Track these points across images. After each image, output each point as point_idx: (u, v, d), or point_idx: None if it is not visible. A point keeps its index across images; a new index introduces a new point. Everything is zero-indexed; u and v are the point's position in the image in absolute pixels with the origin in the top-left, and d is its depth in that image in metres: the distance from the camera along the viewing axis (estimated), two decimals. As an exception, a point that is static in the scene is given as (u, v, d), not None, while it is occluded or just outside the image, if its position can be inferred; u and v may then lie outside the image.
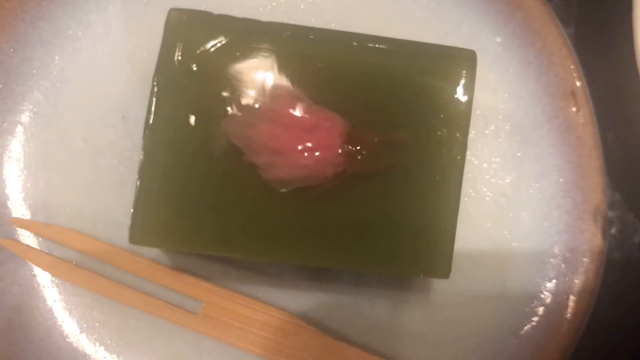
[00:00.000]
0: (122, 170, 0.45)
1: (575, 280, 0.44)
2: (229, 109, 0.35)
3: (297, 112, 0.35)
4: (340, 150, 0.35)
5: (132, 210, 0.36)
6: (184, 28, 0.36)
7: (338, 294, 0.44)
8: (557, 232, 0.45)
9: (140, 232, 0.35)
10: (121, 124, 0.46)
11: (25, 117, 0.45)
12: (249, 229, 0.35)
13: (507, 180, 0.46)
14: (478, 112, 0.46)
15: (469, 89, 0.36)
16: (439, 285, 0.44)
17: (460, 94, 0.36)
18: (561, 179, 0.45)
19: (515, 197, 0.46)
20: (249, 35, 0.36)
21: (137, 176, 0.36)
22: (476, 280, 0.45)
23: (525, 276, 0.45)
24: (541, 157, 0.46)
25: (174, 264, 0.44)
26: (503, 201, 0.46)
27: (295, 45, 0.36)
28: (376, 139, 0.35)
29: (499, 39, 0.46)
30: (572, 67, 0.45)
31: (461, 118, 0.36)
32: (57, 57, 0.46)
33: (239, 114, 0.35)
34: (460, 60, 0.36)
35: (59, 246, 0.44)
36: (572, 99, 0.45)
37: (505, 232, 0.46)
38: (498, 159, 0.46)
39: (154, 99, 0.35)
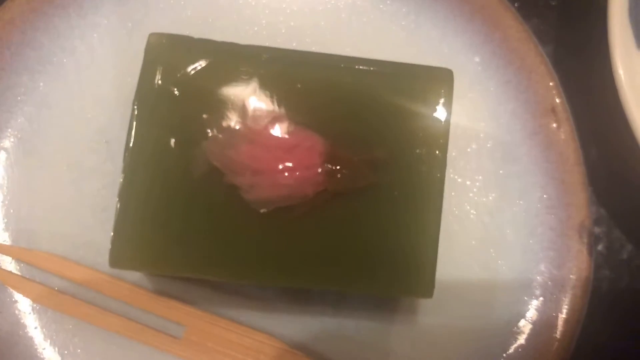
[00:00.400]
0: (105, 194, 0.45)
1: (563, 298, 0.44)
2: (209, 130, 0.35)
3: (277, 133, 0.35)
4: (320, 170, 0.35)
5: (112, 234, 0.36)
6: (163, 52, 0.36)
7: (322, 316, 0.43)
8: (542, 249, 0.45)
9: (120, 255, 0.35)
10: (105, 148, 0.46)
11: (8, 143, 0.46)
12: (231, 250, 0.35)
13: (491, 198, 0.46)
14: (459, 131, 0.47)
15: (447, 107, 0.36)
16: (425, 305, 0.44)
17: (438, 112, 0.36)
18: (544, 196, 0.45)
19: (499, 215, 0.46)
20: (228, 58, 0.36)
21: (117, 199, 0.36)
22: (462, 299, 0.45)
23: (513, 295, 0.45)
24: (523, 174, 0.46)
25: (156, 288, 0.44)
26: (487, 219, 0.46)
27: (275, 68, 0.36)
28: (356, 158, 0.35)
29: (477, 59, 0.47)
30: (551, 84, 0.46)
31: (440, 136, 0.36)
32: (41, 84, 0.46)
33: (220, 135, 0.35)
34: (438, 79, 0.37)
35: (41, 272, 0.44)
36: (552, 115, 0.46)
37: (491, 250, 0.45)
38: (480, 177, 0.46)
39: (134, 121, 0.35)
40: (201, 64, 0.36)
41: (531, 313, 0.44)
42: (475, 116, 0.47)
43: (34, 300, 0.42)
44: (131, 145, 0.35)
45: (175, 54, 0.36)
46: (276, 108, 0.36)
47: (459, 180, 0.46)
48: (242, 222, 0.35)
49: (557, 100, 0.46)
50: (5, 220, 0.44)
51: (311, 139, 0.35)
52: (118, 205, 0.35)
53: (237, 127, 0.35)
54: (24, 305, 0.43)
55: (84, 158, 0.46)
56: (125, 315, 0.43)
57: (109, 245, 0.44)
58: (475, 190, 0.46)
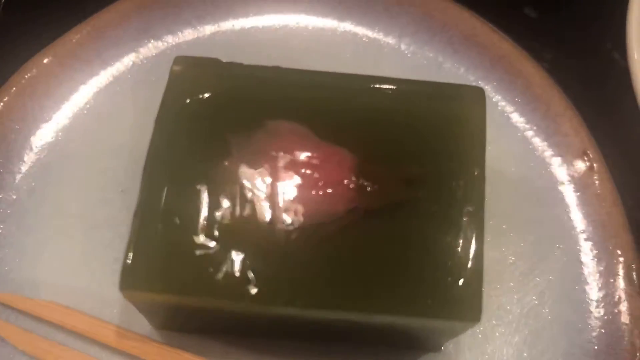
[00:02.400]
0: (117, 245, 0.43)
1: (619, 346, 0.39)
2: (233, 150, 0.34)
3: (304, 149, 0.34)
4: (351, 186, 0.33)
5: (125, 253, 0.33)
6: (188, 73, 0.36)
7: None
8: (589, 297, 0.41)
9: (133, 274, 0.32)
10: (119, 197, 0.44)
11: (21, 192, 0.44)
12: (255, 273, 0.32)
13: (529, 243, 0.43)
14: (492, 176, 0.45)
15: (481, 124, 0.35)
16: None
17: (473, 129, 0.35)
18: (585, 238, 0.42)
19: (539, 261, 0.43)
20: (254, 80, 0.36)
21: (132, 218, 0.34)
22: (506, 354, 0.40)
23: (561, 346, 0.40)
24: (561, 218, 0.43)
25: (169, 343, 0.40)
26: (525, 266, 0.43)
27: (301, 88, 0.35)
28: (388, 174, 0.33)
29: (501, 107, 0.46)
30: (579, 127, 0.45)
31: (476, 152, 0.34)
32: (60, 134, 0.45)
33: (245, 154, 0.34)
34: (470, 97, 0.36)
35: (42, 325, 0.40)
36: (584, 158, 0.44)
37: (533, 297, 0.42)
38: (516, 221, 0.44)
39: (154, 139, 0.34)
40: (226, 85, 0.35)
41: (585, 367, 0.40)
42: (506, 162, 0.45)
43: (34, 354, 0.38)
44: (150, 163, 0.33)
45: (199, 75, 0.35)
46: (303, 127, 0.34)
47: (493, 223, 0.43)
48: (268, 242, 0.33)
49: (588, 143, 0.44)
50: (7, 269, 0.41)
51: (340, 154, 0.34)
52: (133, 224, 0.33)
53: (263, 145, 0.33)
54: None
55: (97, 208, 0.44)
56: (132, 369, 0.39)
57: (118, 298, 0.41)
58: (511, 234, 0.43)
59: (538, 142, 0.46)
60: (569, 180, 0.44)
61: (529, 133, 0.46)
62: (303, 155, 0.33)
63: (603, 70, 0.53)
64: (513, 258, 0.43)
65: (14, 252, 0.42)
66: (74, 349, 0.39)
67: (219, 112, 0.35)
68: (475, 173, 0.34)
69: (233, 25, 0.47)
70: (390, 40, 0.47)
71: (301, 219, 0.33)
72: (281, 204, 0.33)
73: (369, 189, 0.33)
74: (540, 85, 0.46)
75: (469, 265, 0.32)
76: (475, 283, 0.32)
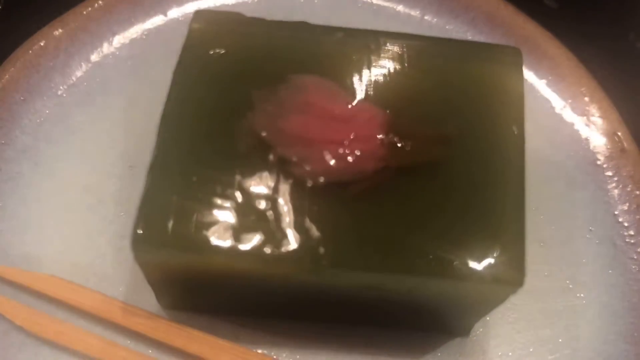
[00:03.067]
0: (125, 221, 0.40)
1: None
2: (256, 102, 0.32)
3: (332, 103, 0.31)
4: (380, 143, 0.31)
5: (137, 209, 0.30)
6: (209, 27, 0.34)
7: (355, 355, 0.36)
8: (626, 281, 0.39)
9: (146, 230, 0.29)
10: (128, 173, 0.42)
11: (25, 166, 0.42)
12: (278, 232, 0.30)
13: (559, 225, 0.41)
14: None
15: (519, 83, 0.33)
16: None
17: (511, 89, 0.33)
18: (620, 221, 0.40)
19: (570, 244, 0.40)
20: (279, 34, 0.34)
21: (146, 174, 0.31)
22: (538, 339, 0.38)
23: (597, 332, 0.38)
24: (592, 200, 0.41)
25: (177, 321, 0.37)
26: (558, 248, 0.40)
27: (329, 44, 0.34)
28: (421, 132, 0.31)
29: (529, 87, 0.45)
30: (608, 108, 0.43)
31: (515, 111, 0.32)
32: (68, 108, 0.43)
33: (268, 106, 0.32)
34: (507, 57, 0.34)
35: (42, 300, 0.37)
36: (615, 139, 0.42)
37: (567, 282, 0.39)
38: (547, 204, 0.41)
39: (171, 93, 0.32)
40: (248, 40, 0.33)
41: (619, 355, 0.37)
42: (534, 142, 0.43)
43: (33, 330, 0.35)
44: (167, 116, 0.31)
45: (220, 28, 0.33)
46: (330, 82, 0.32)
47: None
48: (292, 201, 0.30)
49: (618, 124, 0.43)
50: (7, 242, 0.39)
51: (370, 110, 0.32)
52: (147, 181, 0.30)
53: (287, 99, 0.31)
54: (21, 337, 0.36)
55: (104, 183, 0.42)
56: (138, 348, 0.36)
57: (124, 277, 0.39)
58: (541, 216, 0.41)
59: (567, 123, 0.44)
60: (601, 161, 0.42)
61: (558, 114, 0.44)
62: (330, 111, 0.31)
63: (627, 59, 0.51)
64: (544, 241, 0.41)
65: (14, 226, 0.39)
66: (76, 326, 0.36)
67: (241, 67, 0.33)
68: (515, 131, 0.31)
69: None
70: (413, 15, 0.46)
71: (327, 177, 0.30)
72: (305, 161, 0.31)
73: (400, 147, 0.31)
74: (568, 66, 0.44)
75: (511, 225, 0.30)
76: (518, 245, 0.29)
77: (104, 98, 0.44)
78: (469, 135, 0.32)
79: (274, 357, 0.36)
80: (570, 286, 0.39)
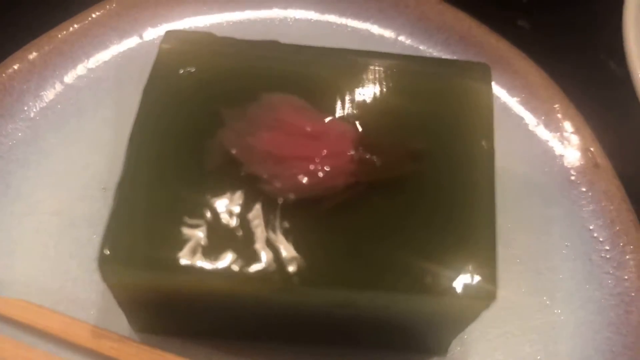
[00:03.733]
0: (95, 243, 0.39)
1: (637, 349, 0.36)
2: (226, 119, 0.32)
3: (301, 120, 0.31)
4: (351, 158, 0.31)
5: (104, 229, 0.30)
6: (179, 46, 0.34)
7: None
8: (603, 296, 0.39)
9: (113, 248, 0.28)
10: (101, 195, 0.42)
11: (-6, 189, 0.41)
12: (247, 250, 0.29)
13: (536, 241, 0.41)
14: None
15: (488, 98, 0.33)
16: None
17: (480, 103, 0.33)
18: (595, 236, 0.40)
19: (548, 260, 0.40)
20: (247, 52, 0.34)
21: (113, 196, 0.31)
22: (517, 356, 0.37)
23: (575, 348, 0.37)
24: (568, 216, 0.41)
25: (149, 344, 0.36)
26: (535, 264, 0.40)
27: (300, 63, 0.34)
28: (392, 147, 0.31)
29: (501, 103, 0.45)
30: (581, 125, 0.44)
31: (484, 126, 0.32)
32: (41, 130, 0.43)
33: (238, 124, 0.32)
34: (476, 72, 0.34)
35: (8, 325, 0.36)
36: (588, 155, 0.43)
37: (544, 297, 0.39)
38: (522, 221, 0.41)
39: (139, 113, 0.32)
40: (218, 57, 0.33)
41: (602, 371, 0.37)
42: (509, 160, 0.43)
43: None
44: (135, 136, 0.31)
45: (190, 48, 0.33)
46: (300, 100, 0.32)
47: (499, 222, 0.41)
48: (263, 218, 0.30)
49: (591, 140, 0.43)
50: (-24, 269, 0.38)
51: (341, 126, 0.32)
52: (114, 199, 0.30)
53: (258, 116, 0.31)
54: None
55: (76, 205, 0.41)
56: (108, 374, 0.35)
57: (95, 299, 0.38)
58: (518, 233, 0.41)
59: (541, 140, 0.44)
60: (575, 177, 0.42)
61: (531, 131, 0.44)
62: (300, 127, 0.31)
63: (599, 77, 0.52)
64: (520, 258, 0.40)
65: (-19, 251, 0.38)
66: (45, 351, 0.35)
67: (211, 85, 0.33)
68: (485, 146, 0.32)
69: (225, 21, 0.46)
70: (387, 36, 0.46)
71: (298, 193, 0.30)
72: (276, 178, 0.30)
73: (371, 162, 0.31)
74: (541, 84, 0.45)
75: (482, 240, 0.30)
76: (490, 259, 0.29)
77: (77, 120, 0.44)
78: (439, 150, 0.32)
79: (248, 379, 0.35)
80: (548, 302, 0.39)
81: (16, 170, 0.42)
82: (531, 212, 0.42)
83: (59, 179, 0.42)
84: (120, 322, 0.37)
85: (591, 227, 0.41)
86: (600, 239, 0.40)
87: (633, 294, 0.38)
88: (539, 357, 0.37)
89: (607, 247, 0.40)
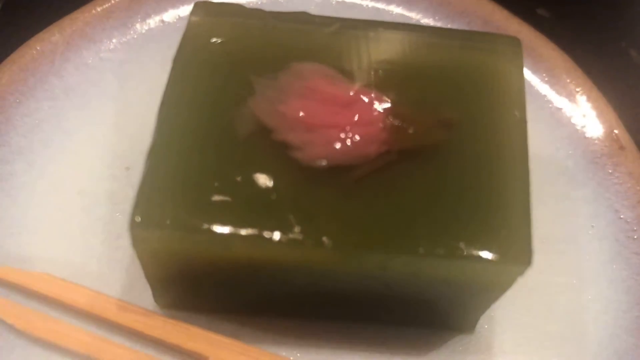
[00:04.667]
0: (119, 221, 0.40)
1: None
2: (257, 88, 0.32)
3: (332, 88, 0.31)
4: (382, 127, 0.31)
5: (136, 195, 0.30)
6: (208, 17, 0.34)
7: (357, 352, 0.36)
8: (630, 275, 0.38)
9: (145, 212, 0.28)
10: (124, 174, 0.42)
11: (18, 167, 0.41)
12: (280, 215, 0.29)
13: (561, 222, 0.40)
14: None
15: (519, 70, 0.33)
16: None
17: (511, 75, 0.33)
18: (621, 217, 0.40)
19: (573, 242, 0.40)
20: (278, 23, 0.34)
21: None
22: (544, 335, 0.37)
23: (604, 326, 0.37)
24: (593, 197, 0.41)
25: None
26: (561, 245, 0.40)
27: (330, 33, 0.34)
28: (423, 116, 0.31)
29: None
30: (605, 107, 0.43)
31: (516, 97, 0.32)
32: (64, 111, 0.43)
33: (268, 92, 0.31)
34: (506, 45, 0.34)
35: (34, 299, 0.36)
36: (613, 137, 0.42)
37: (572, 278, 0.39)
38: (548, 203, 0.41)
39: (170, 81, 0.32)
40: (247, 28, 0.33)
41: (626, 349, 0.36)
42: (535, 142, 0.43)
43: (24, 329, 0.34)
44: (166, 103, 0.31)
45: (219, 19, 0.33)
46: (331, 69, 0.32)
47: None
48: (294, 185, 0.30)
49: (615, 123, 0.43)
50: (2, 244, 0.38)
51: (372, 95, 0.31)
52: (145, 166, 0.30)
53: (288, 84, 0.31)
54: (11, 337, 0.35)
55: (99, 184, 0.41)
56: (135, 346, 0.35)
57: (119, 276, 0.38)
58: (543, 215, 0.40)
59: (565, 122, 0.44)
60: (600, 159, 0.42)
61: (555, 113, 0.44)
62: (331, 96, 0.31)
63: (620, 65, 0.52)
64: (547, 239, 0.40)
65: (6, 227, 0.38)
66: (69, 323, 0.35)
67: (241, 55, 0.33)
68: (517, 115, 0.31)
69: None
70: (410, 19, 0.46)
71: (330, 160, 0.30)
72: (307, 145, 0.30)
73: (402, 131, 0.30)
74: (564, 67, 0.45)
75: (516, 206, 0.29)
76: (524, 225, 0.29)
77: (99, 101, 0.44)
78: (471, 119, 0.32)
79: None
80: (574, 282, 0.39)
81: (40, 150, 0.42)
82: (557, 193, 0.42)
83: (82, 158, 0.42)
84: (146, 298, 0.36)
85: (617, 208, 0.40)
86: (627, 220, 0.40)
87: (661, 275, 0.38)
88: (566, 336, 0.37)
89: (635, 228, 0.40)
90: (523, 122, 0.32)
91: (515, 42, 0.34)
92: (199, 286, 0.33)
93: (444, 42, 0.34)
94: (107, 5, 0.47)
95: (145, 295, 0.36)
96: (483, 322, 0.37)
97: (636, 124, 0.46)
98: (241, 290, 0.33)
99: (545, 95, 0.45)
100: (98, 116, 0.43)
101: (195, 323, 0.36)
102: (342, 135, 0.30)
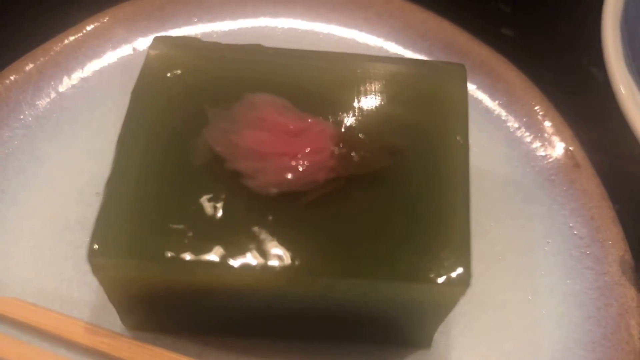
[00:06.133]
0: (89, 246, 0.41)
1: (615, 337, 0.37)
2: (210, 119, 0.33)
3: (283, 118, 0.33)
4: (330, 154, 0.32)
5: (94, 225, 0.31)
6: (166, 50, 0.35)
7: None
8: (582, 290, 0.40)
9: (102, 243, 0.30)
10: (95, 200, 0.42)
11: (-10, 195, 0.42)
12: (232, 242, 0.30)
13: (517, 240, 0.42)
14: (477, 175, 0.44)
15: (463, 97, 0.34)
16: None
17: (455, 102, 0.34)
18: (575, 233, 0.41)
19: (530, 257, 0.41)
20: (232, 55, 0.35)
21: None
22: (500, 349, 0.38)
23: (557, 340, 0.38)
24: (549, 215, 0.42)
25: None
26: (517, 261, 0.41)
27: (282, 65, 0.35)
28: (370, 143, 0.33)
29: (482, 107, 0.46)
30: (562, 126, 0.45)
31: (459, 123, 0.34)
32: (37, 139, 0.44)
33: (222, 123, 0.33)
34: (451, 72, 0.35)
35: (4, 323, 0.37)
36: (568, 155, 0.44)
37: (526, 293, 0.40)
38: (504, 220, 0.42)
39: (128, 113, 0.33)
40: (204, 61, 0.35)
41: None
42: (491, 161, 0.45)
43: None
44: (124, 136, 0.32)
45: (177, 52, 0.35)
46: (282, 99, 0.34)
47: (481, 221, 0.42)
48: (245, 212, 0.31)
49: (571, 141, 0.44)
50: (-27, 270, 0.39)
51: (320, 124, 0.33)
52: (104, 195, 0.31)
53: (241, 115, 0.33)
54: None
55: (71, 210, 0.42)
56: (101, 369, 0.36)
57: (89, 299, 0.39)
58: (500, 232, 0.42)
59: (522, 141, 0.45)
60: (555, 177, 0.44)
61: (513, 133, 0.46)
62: (282, 125, 0.32)
63: (581, 82, 0.53)
64: (502, 255, 0.41)
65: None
66: (40, 347, 0.36)
67: (197, 87, 0.34)
68: (460, 141, 0.33)
69: (215, 31, 0.48)
70: (372, 45, 0.48)
71: (280, 187, 0.31)
72: (259, 173, 0.32)
73: (350, 158, 0.32)
74: (522, 87, 0.46)
75: (456, 229, 0.31)
76: (464, 247, 0.30)
77: (71, 128, 0.45)
78: (416, 145, 0.33)
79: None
80: (530, 297, 0.40)
81: (13, 177, 0.43)
82: (513, 211, 0.43)
83: (54, 184, 0.43)
84: (113, 320, 0.38)
85: (572, 225, 0.42)
86: (581, 236, 0.41)
87: (612, 288, 0.39)
88: (521, 350, 0.38)
89: (588, 244, 0.41)
90: (465, 147, 0.33)
91: (460, 70, 0.36)
92: (160, 309, 0.35)
93: (392, 70, 0.36)
94: (79, 35, 0.48)
95: (113, 318, 0.38)
96: (440, 338, 0.38)
97: (592, 138, 0.47)
98: (202, 313, 0.35)
99: (503, 115, 0.46)
100: (70, 143, 0.45)
101: (161, 344, 0.37)
102: (293, 163, 0.32)
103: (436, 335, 0.38)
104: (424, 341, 0.37)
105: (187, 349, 0.37)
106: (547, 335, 0.38)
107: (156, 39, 0.36)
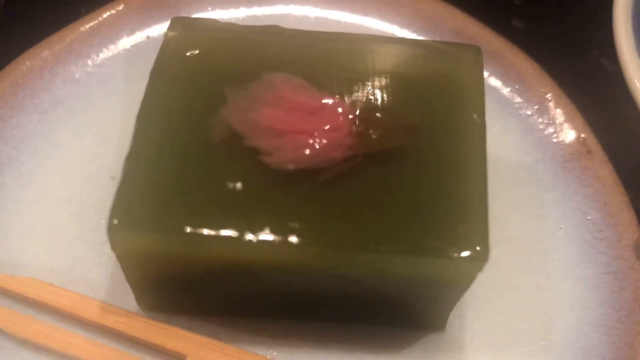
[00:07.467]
0: (104, 229, 0.41)
1: (629, 320, 0.37)
2: (229, 97, 0.33)
3: (301, 97, 0.33)
4: (348, 132, 0.32)
5: (113, 200, 0.31)
6: (184, 31, 0.36)
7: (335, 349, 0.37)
8: (596, 274, 0.40)
9: (122, 215, 0.30)
10: (110, 184, 0.43)
11: (8, 177, 0.42)
12: (250, 218, 0.31)
13: (531, 225, 0.42)
14: (489, 163, 0.45)
15: (479, 77, 0.35)
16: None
17: (471, 81, 0.35)
18: (589, 218, 0.41)
19: (543, 241, 0.41)
20: (250, 36, 0.36)
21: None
22: (514, 332, 0.38)
23: (570, 323, 0.38)
24: (562, 200, 0.43)
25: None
26: (531, 246, 0.41)
27: (300, 46, 0.35)
28: (387, 121, 0.33)
29: (495, 96, 0.47)
30: (574, 113, 0.45)
31: (475, 102, 0.34)
32: (52, 124, 0.45)
33: (240, 101, 0.33)
34: (467, 53, 0.36)
35: (22, 303, 0.38)
36: (581, 141, 0.44)
37: (540, 277, 0.40)
38: (518, 206, 0.43)
39: (148, 91, 0.33)
40: (221, 41, 0.35)
41: (592, 345, 0.37)
42: (504, 148, 0.45)
43: (13, 332, 0.36)
44: (143, 113, 0.32)
45: (195, 33, 0.35)
46: (300, 79, 0.34)
47: (495, 207, 0.42)
48: (263, 188, 0.31)
49: (583, 128, 0.45)
50: (-11, 250, 0.39)
51: (338, 102, 0.33)
52: (123, 171, 0.31)
53: (258, 93, 0.33)
54: (2, 338, 0.36)
55: (86, 193, 0.43)
56: (117, 347, 0.36)
57: (102, 280, 0.39)
58: (513, 217, 0.42)
59: (535, 128, 0.46)
60: (568, 164, 0.44)
61: (526, 120, 0.46)
62: (300, 104, 0.33)
63: (592, 73, 0.54)
64: (516, 240, 0.42)
65: (-4, 234, 0.40)
66: (56, 326, 0.36)
67: (215, 66, 0.35)
68: (476, 119, 0.33)
69: (230, 18, 0.48)
70: (384, 32, 0.48)
71: (298, 164, 0.31)
72: (277, 150, 0.32)
73: (367, 136, 0.32)
74: (534, 75, 0.46)
75: (474, 204, 0.31)
76: (482, 223, 0.30)
77: (86, 114, 0.46)
78: (432, 123, 0.33)
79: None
80: (543, 281, 0.40)
81: (28, 161, 0.43)
82: (527, 197, 0.43)
83: (68, 169, 0.43)
84: (128, 301, 0.38)
85: (585, 210, 0.42)
86: (594, 221, 0.41)
87: (626, 272, 0.39)
88: (535, 333, 0.38)
89: (601, 229, 0.41)
90: (482, 125, 0.33)
91: (476, 50, 0.36)
92: (177, 288, 0.35)
93: (408, 52, 0.36)
94: (94, 22, 0.48)
95: (128, 299, 0.38)
96: (454, 321, 0.38)
97: (604, 128, 0.47)
98: (218, 292, 0.35)
99: (515, 103, 0.47)
100: (85, 128, 0.45)
101: (176, 324, 0.37)
102: (310, 141, 0.32)
103: (450, 318, 0.38)
104: (438, 323, 0.37)
105: (202, 329, 0.37)
106: (561, 318, 0.38)
107: (174, 19, 0.36)
